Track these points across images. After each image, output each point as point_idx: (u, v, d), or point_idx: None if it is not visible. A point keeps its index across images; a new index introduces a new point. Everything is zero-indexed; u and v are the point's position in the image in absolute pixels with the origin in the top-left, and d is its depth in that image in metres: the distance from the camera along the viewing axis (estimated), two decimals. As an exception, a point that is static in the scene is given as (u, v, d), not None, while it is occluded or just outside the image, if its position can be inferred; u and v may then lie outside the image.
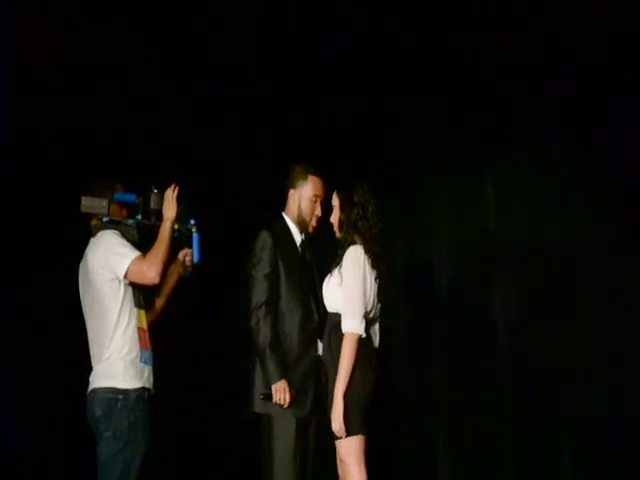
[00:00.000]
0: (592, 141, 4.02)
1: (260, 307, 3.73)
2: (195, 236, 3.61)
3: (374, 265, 3.54)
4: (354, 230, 3.58)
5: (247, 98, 4.77)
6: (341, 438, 3.44)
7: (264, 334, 3.71)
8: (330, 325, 3.60)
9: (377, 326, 3.64)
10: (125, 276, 3.38)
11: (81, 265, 3.50)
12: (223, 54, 4.67)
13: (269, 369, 3.70)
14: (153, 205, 3.53)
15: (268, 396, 3.70)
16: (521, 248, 4.39)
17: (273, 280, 3.78)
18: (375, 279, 3.55)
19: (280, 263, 3.81)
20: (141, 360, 3.41)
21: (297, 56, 4.78)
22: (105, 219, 3.46)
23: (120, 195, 3.53)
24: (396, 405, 4.66)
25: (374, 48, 4.63)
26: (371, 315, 3.56)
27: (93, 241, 3.48)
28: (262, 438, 3.79)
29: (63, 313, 3.87)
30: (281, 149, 4.77)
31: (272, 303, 3.76)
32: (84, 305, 3.49)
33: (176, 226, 3.54)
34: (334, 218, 3.67)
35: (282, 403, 3.68)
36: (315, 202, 3.91)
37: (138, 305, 3.47)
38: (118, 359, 3.37)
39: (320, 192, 3.91)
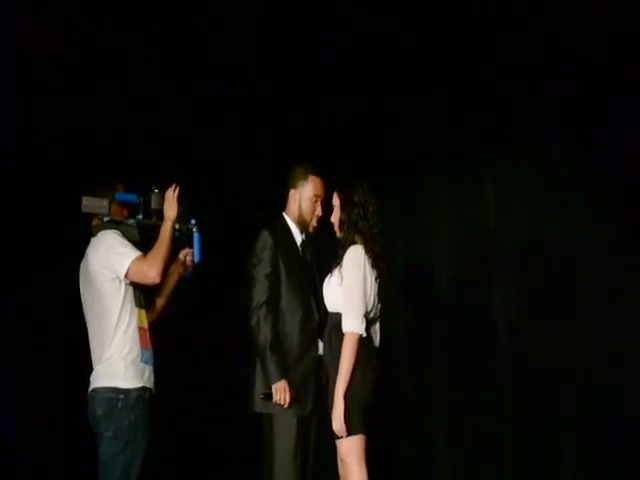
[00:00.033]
0: (592, 141, 4.01)
1: (261, 307, 3.73)
2: (196, 236, 3.61)
3: (374, 265, 3.54)
4: (354, 230, 3.58)
5: (247, 98, 4.78)
6: (342, 438, 3.44)
7: (264, 334, 3.72)
8: (330, 325, 3.60)
9: (377, 326, 3.64)
10: (126, 276, 3.38)
11: (82, 265, 3.50)
12: (223, 54, 4.67)
13: (269, 369, 3.70)
14: (154, 205, 3.53)
15: (268, 396, 3.70)
16: (521, 248, 4.39)
17: (274, 280, 3.78)
18: (375, 279, 3.55)
19: (281, 263, 3.81)
20: (142, 360, 3.41)
21: (297, 56, 4.78)
22: (106, 219, 3.46)
23: (121, 195, 3.53)
24: (396, 405, 4.65)
25: (374, 48, 4.63)
26: (371, 315, 3.56)
27: (94, 241, 3.47)
28: (263, 437, 3.79)
29: (63, 313, 3.88)
30: (281, 149, 4.77)
31: (273, 303, 3.76)
32: (85, 305, 3.48)
33: (177, 226, 3.54)
34: (334, 218, 3.67)
35: (282, 403, 3.68)
36: (316, 202, 3.91)
37: (139, 305, 3.47)
38: (119, 359, 3.37)
39: (320, 192, 3.91)
